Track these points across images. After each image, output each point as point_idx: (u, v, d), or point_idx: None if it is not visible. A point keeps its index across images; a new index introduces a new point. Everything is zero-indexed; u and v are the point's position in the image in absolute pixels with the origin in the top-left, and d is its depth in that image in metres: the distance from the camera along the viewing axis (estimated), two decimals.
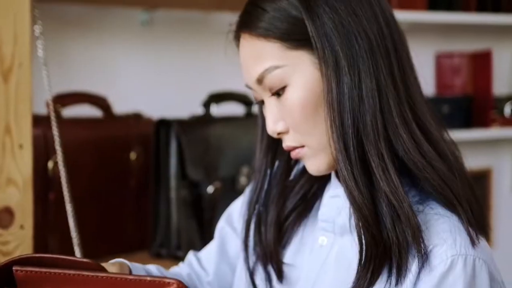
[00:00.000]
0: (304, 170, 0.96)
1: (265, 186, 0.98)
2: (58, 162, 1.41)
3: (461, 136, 2.37)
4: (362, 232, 0.81)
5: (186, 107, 1.86)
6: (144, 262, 1.67)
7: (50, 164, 1.52)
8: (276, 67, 0.84)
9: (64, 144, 1.53)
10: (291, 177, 0.99)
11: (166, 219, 1.65)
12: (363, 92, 0.81)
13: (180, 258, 1.63)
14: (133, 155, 1.68)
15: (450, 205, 0.82)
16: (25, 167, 1.36)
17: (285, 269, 0.95)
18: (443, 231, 0.80)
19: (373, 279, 0.80)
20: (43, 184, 1.51)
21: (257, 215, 0.98)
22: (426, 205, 0.83)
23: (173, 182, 1.63)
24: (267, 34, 0.84)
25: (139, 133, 1.70)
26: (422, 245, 0.79)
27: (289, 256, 0.96)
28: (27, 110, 1.36)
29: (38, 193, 1.49)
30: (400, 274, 0.79)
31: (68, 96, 1.62)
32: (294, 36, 0.84)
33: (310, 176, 0.94)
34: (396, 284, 0.79)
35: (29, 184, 1.37)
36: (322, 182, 0.96)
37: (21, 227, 1.36)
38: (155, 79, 1.96)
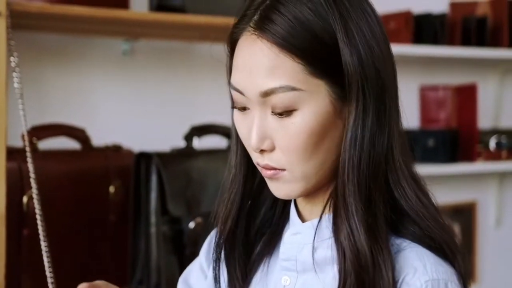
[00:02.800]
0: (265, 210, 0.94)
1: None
2: (33, 197, 1.36)
3: (446, 170, 2.35)
4: (345, 267, 0.80)
5: (168, 139, 1.82)
6: None
7: (25, 199, 1.47)
8: (293, 89, 0.79)
9: (40, 177, 1.47)
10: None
11: (145, 255, 1.60)
12: (379, 138, 0.81)
13: None
14: (112, 189, 1.63)
15: (448, 258, 0.82)
16: None
17: None
18: (412, 259, 0.81)
19: None
20: (17, 219, 1.46)
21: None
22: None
23: (153, 218, 1.58)
24: (292, 51, 0.79)
25: (118, 166, 1.65)
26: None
27: None
28: (1, 144, 1.32)
29: (12, 229, 1.44)
30: None
31: (45, 128, 1.57)
32: (320, 63, 0.80)
33: (271, 215, 0.93)
34: None
35: (2, 221, 1.31)
36: (281, 221, 0.93)
37: None
38: (135, 110, 1.92)
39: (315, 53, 0.79)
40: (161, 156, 1.59)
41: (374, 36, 0.82)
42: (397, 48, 2.18)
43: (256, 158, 0.84)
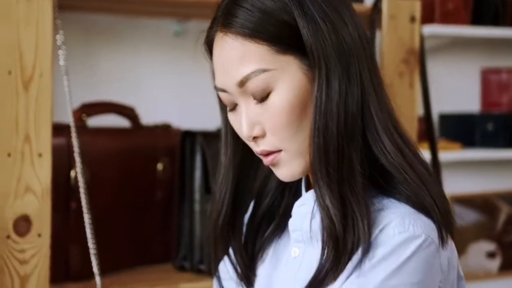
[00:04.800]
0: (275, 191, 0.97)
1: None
2: (77, 170, 1.41)
3: (506, 155, 2.29)
4: (326, 234, 0.82)
5: (216, 119, 1.84)
6: (168, 274, 1.67)
7: (72, 173, 1.52)
8: (264, 70, 0.83)
9: (88, 153, 1.53)
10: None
11: (189, 232, 1.63)
12: (349, 99, 0.83)
13: (203, 272, 1.61)
14: (160, 166, 1.67)
15: (427, 211, 0.83)
16: (44, 176, 1.36)
17: (263, 285, 0.96)
18: (392, 213, 0.83)
19: (329, 275, 0.82)
20: (65, 193, 1.52)
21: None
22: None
23: (197, 195, 1.61)
24: (255, 36, 0.84)
25: (166, 144, 1.68)
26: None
27: (265, 273, 0.97)
28: (47, 119, 1.37)
29: (60, 202, 1.50)
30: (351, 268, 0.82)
31: (94, 106, 1.62)
32: (284, 40, 0.84)
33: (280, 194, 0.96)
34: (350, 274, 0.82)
35: (48, 193, 1.37)
36: (295, 201, 0.96)
37: (39, 235, 1.36)
38: (185, 90, 1.95)
39: (277, 32, 0.83)
40: (205, 135, 1.61)
41: (332, 4, 0.84)
42: (455, 30, 2.14)
43: (254, 148, 0.88)
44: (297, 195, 0.96)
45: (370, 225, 0.81)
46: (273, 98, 0.84)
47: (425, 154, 1.89)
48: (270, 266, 0.97)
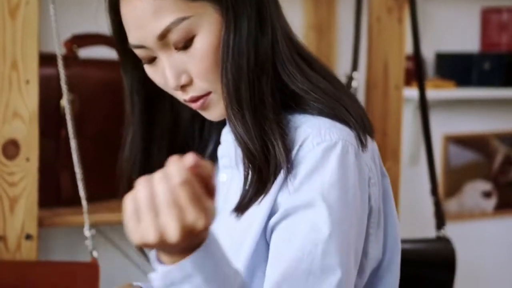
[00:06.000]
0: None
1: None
2: (64, 99, 1.46)
3: (501, 94, 2.29)
4: (246, 161, 0.85)
5: None
6: None
7: (62, 102, 1.57)
8: (183, 19, 0.85)
9: (79, 84, 1.58)
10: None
11: None
12: (259, 35, 0.86)
13: None
14: None
15: (342, 119, 0.86)
16: (31, 102, 1.41)
17: None
18: (307, 127, 0.86)
19: (253, 199, 0.85)
20: (55, 121, 1.56)
21: None
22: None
23: None
24: None
25: None
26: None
27: None
28: (34, 47, 1.41)
29: (50, 130, 1.55)
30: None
31: (86, 37, 1.65)
32: None
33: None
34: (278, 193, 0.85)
35: (35, 119, 1.42)
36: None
37: (27, 159, 1.42)
38: None
39: None
40: None
41: None
42: None
43: (181, 96, 0.89)
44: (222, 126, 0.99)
45: (287, 146, 0.84)
46: (196, 44, 0.85)
47: (413, 92, 1.92)
48: None
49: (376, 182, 0.88)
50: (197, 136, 1.03)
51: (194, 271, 0.70)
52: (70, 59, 1.59)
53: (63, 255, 1.74)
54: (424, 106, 1.82)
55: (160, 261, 0.72)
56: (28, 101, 1.41)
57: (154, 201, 0.65)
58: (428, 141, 1.82)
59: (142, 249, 1.01)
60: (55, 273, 1.39)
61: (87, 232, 1.44)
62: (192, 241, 0.68)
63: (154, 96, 0.98)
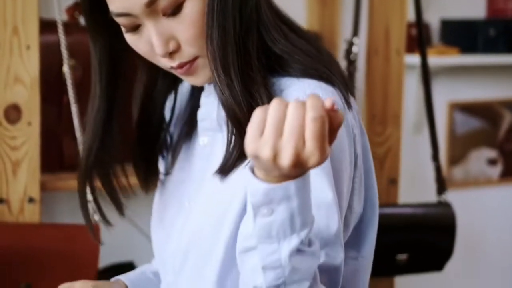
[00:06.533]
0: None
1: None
2: (65, 65, 1.47)
3: (506, 60, 2.28)
4: (230, 123, 0.85)
5: None
6: None
7: (64, 69, 1.58)
8: None
9: (81, 50, 1.58)
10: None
11: None
12: (245, 1, 0.86)
13: None
14: None
15: (325, 78, 0.87)
16: (32, 68, 1.43)
17: (176, 173, 1.01)
18: (293, 90, 0.86)
19: (238, 162, 0.86)
20: (57, 87, 1.58)
21: None
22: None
23: None
24: None
25: None
26: None
27: (178, 166, 1.01)
28: (34, 11, 1.42)
29: (53, 95, 1.57)
30: None
31: None
32: None
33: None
34: None
35: (36, 84, 1.44)
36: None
37: (29, 124, 1.44)
38: None
39: None
40: None
41: None
42: None
43: (168, 64, 0.88)
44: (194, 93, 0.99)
45: None
46: (185, 9, 0.84)
47: (418, 59, 1.92)
48: (183, 164, 1.00)
49: (359, 139, 0.89)
50: (167, 109, 1.03)
51: (294, 194, 0.72)
52: (72, 25, 1.60)
53: (67, 219, 1.77)
54: (426, 72, 1.82)
55: (254, 175, 0.74)
56: (29, 66, 1.43)
57: (283, 123, 0.68)
58: (430, 106, 1.82)
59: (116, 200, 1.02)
60: (58, 236, 1.42)
61: (89, 196, 1.46)
62: (296, 172, 0.70)
63: (123, 67, 0.97)
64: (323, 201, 0.81)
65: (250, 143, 0.69)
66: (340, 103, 0.86)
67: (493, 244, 2.52)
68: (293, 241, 0.74)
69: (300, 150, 0.68)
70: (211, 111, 0.93)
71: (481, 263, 2.50)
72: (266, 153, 0.68)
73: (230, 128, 0.86)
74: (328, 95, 0.85)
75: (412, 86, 2.15)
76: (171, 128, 1.03)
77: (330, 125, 0.69)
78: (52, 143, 1.58)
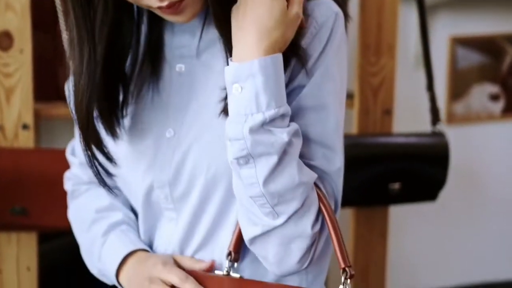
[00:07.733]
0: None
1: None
2: None
3: None
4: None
5: None
6: None
7: None
8: None
9: None
10: None
11: None
12: None
13: None
14: None
15: None
16: None
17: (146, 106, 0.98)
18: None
19: None
20: (51, 15, 1.59)
21: None
22: None
23: None
24: None
25: None
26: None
27: (146, 99, 0.98)
28: None
29: (46, 24, 1.58)
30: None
31: None
32: None
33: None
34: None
35: (27, 11, 1.45)
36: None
37: (21, 51, 1.46)
38: None
39: None
40: None
41: None
42: None
43: (158, 4, 0.86)
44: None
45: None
46: None
47: None
48: (152, 95, 0.98)
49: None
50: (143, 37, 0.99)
51: (258, 71, 0.81)
52: None
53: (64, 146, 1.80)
54: (422, 10, 1.81)
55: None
56: None
57: None
58: (424, 35, 1.81)
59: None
60: (51, 160, 1.45)
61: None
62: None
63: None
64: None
65: None
66: (343, 17, 0.93)
67: (495, 179, 2.53)
68: (257, 118, 0.82)
69: None
70: (190, 39, 0.94)
71: (483, 198, 2.52)
72: None
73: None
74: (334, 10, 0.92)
75: (413, 19, 2.13)
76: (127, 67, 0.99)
77: None
78: (48, 73, 1.60)
